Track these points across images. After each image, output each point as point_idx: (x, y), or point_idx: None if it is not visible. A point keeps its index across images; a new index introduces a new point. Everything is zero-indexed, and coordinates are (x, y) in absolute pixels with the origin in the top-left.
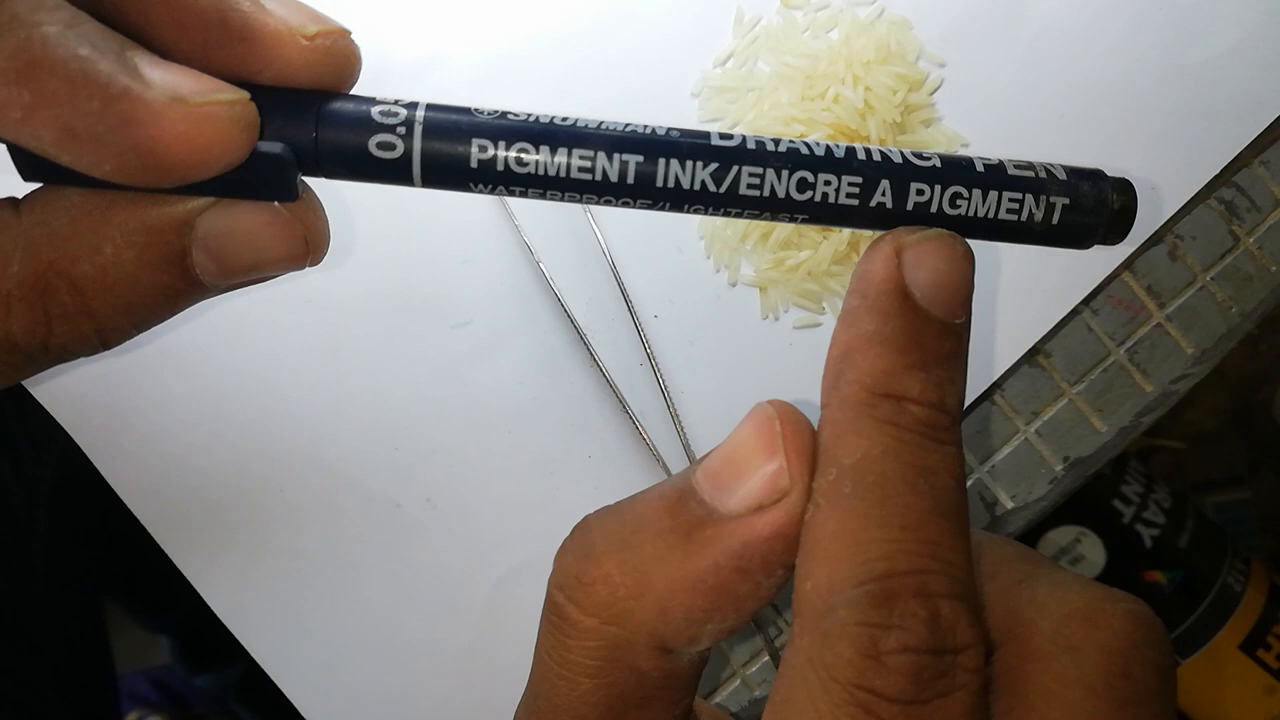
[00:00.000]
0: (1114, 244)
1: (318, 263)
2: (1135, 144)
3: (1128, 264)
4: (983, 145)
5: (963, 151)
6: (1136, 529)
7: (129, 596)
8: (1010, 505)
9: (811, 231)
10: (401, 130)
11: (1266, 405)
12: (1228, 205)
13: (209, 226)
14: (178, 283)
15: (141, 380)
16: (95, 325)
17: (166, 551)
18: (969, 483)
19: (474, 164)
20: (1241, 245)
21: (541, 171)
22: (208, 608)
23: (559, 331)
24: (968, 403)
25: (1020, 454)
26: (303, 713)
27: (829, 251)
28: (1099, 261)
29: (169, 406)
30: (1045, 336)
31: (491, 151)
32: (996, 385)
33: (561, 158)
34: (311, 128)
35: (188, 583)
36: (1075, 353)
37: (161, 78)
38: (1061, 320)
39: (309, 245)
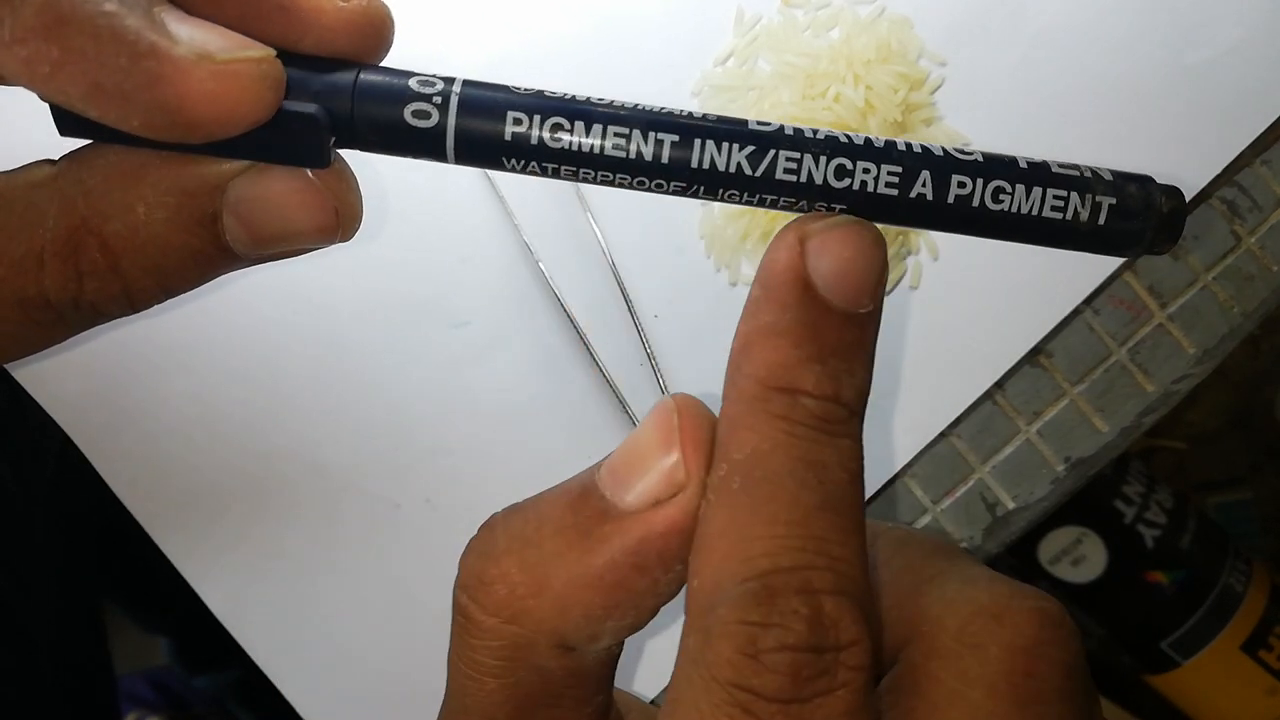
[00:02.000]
0: (1161, 252)
1: (349, 237)
2: (1136, 143)
3: (1129, 264)
4: (984, 144)
5: None
6: (1138, 529)
7: (128, 597)
8: (1011, 505)
9: None
10: (438, 100)
11: (1268, 405)
12: (1229, 205)
13: (240, 191)
14: (207, 248)
15: (140, 380)
16: (124, 285)
17: (165, 552)
18: (969, 483)
19: (508, 136)
20: (1243, 245)
21: (575, 147)
22: (206, 608)
23: (559, 331)
24: (969, 402)
25: (1021, 454)
26: (301, 713)
27: None
28: (1100, 261)
29: (167, 406)
30: (1047, 336)
31: (526, 125)
32: (998, 385)
33: (596, 135)
34: (348, 96)
35: (186, 583)
36: (1077, 353)
37: (189, 34)
38: (1063, 320)
39: (339, 218)
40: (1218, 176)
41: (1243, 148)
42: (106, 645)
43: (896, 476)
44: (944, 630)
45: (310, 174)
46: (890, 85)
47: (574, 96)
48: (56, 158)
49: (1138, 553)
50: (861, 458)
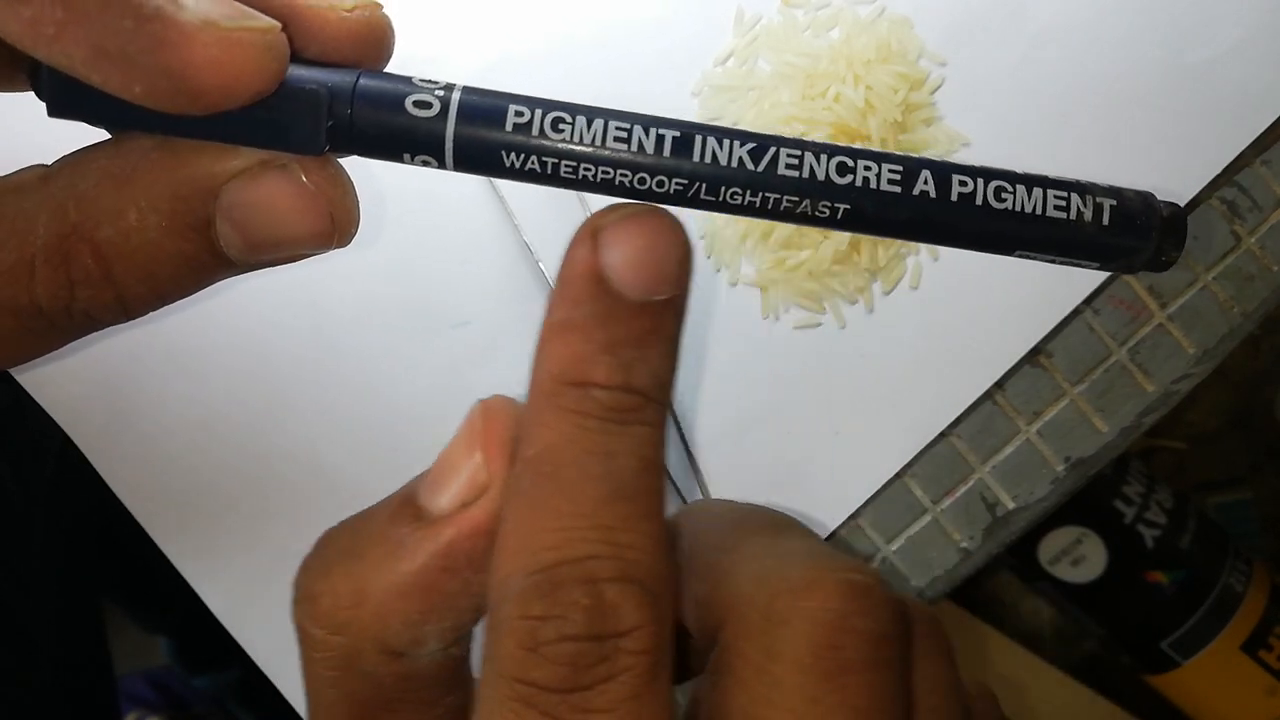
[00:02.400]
0: (1167, 262)
1: (345, 244)
2: (1136, 143)
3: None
4: (984, 144)
5: (964, 150)
6: (1138, 529)
7: (127, 597)
8: (1011, 505)
9: (812, 231)
10: (439, 93)
11: (1268, 405)
12: (1229, 205)
13: (233, 196)
14: (201, 254)
15: (140, 381)
16: (117, 293)
17: (165, 552)
18: (969, 483)
19: (510, 126)
20: (1243, 245)
21: (577, 140)
22: (206, 608)
23: None
24: (969, 402)
25: (1021, 454)
26: (302, 713)
27: (829, 251)
28: None
29: (168, 407)
30: (1047, 336)
31: (527, 118)
32: (998, 385)
33: (597, 130)
34: (348, 96)
35: (186, 583)
36: (1077, 353)
37: (194, 1)
38: (1063, 320)
39: (335, 223)
40: (1218, 176)
41: (1243, 147)
42: (106, 645)
43: (896, 476)
44: (754, 608)
45: (305, 178)
46: (890, 85)
47: (573, 103)
48: (49, 164)
49: (1138, 553)
50: (658, 443)
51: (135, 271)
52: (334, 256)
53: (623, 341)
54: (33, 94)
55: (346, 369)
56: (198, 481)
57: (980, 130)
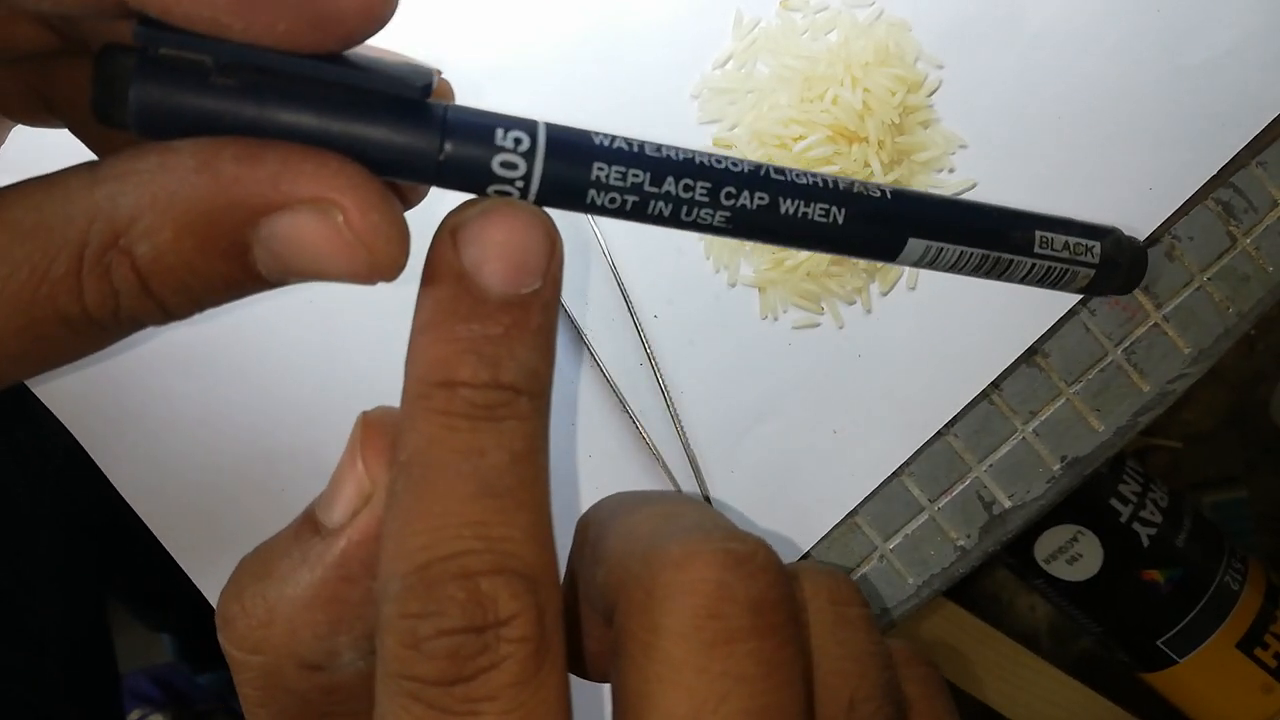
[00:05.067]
0: (1134, 282)
1: (388, 280)
2: (1133, 145)
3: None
4: (981, 146)
5: (961, 152)
6: (1134, 528)
7: (132, 595)
8: (1008, 504)
9: None
10: (524, 140)
11: (1263, 405)
12: (1225, 206)
13: (272, 229)
14: (237, 274)
15: (144, 380)
16: (157, 303)
17: (169, 550)
18: (966, 482)
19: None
20: (1239, 246)
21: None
22: (210, 606)
23: (559, 331)
24: (966, 402)
25: (1018, 453)
26: None
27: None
28: None
29: (172, 406)
30: (1043, 336)
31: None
32: (994, 385)
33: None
34: (438, 132)
35: (190, 581)
36: (1073, 352)
37: None
38: (1059, 320)
39: (373, 268)
40: (1213, 178)
41: (1238, 149)
42: (111, 643)
43: (894, 475)
44: (639, 585)
45: (343, 222)
46: (888, 88)
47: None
48: (97, 161)
49: (1133, 551)
50: (534, 434)
51: (172, 285)
52: None
53: (487, 338)
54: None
55: (350, 368)
56: (201, 480)
57: (977, 133)
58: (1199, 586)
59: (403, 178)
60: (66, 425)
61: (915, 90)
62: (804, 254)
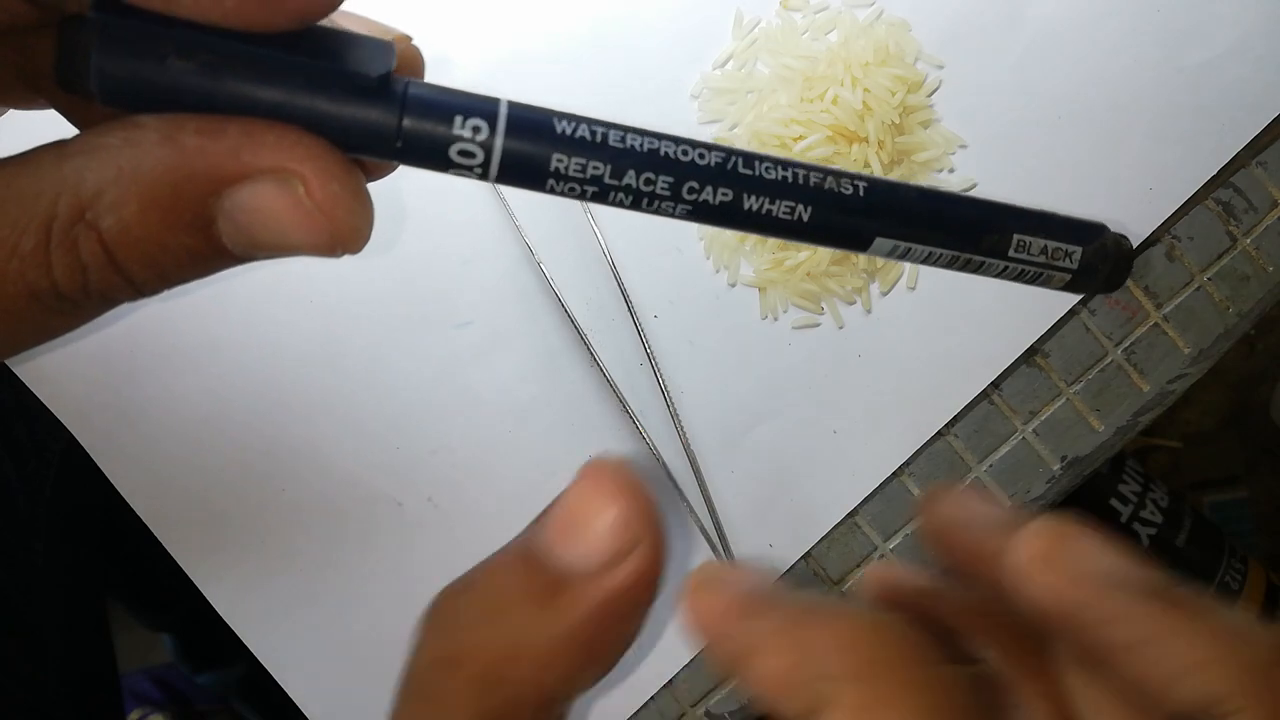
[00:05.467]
0: (1117, 283)
1: (354, 252)
2: (1132, 145)
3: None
4: (981, 146)
5: (961, 152)
6: (1134, 528)
7: (131, 595)
8: (1008, 504)
9: None
10: (483, 126)
11: (1263, 405)
12: (1225, 206)
13: (235, 201)
14: (203, 248)
15: (144, 379)
16: (125, 277)
17: (169, 550)
18: (968, 479)
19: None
20: (1239, 246)
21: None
22: (209, 606)
23: (559, 331)
24: (966, 402)
25: (1018, 453)
26: (305, 711)
27: (827, 252)
28: None
29: (172, 406)
30: (1043, 336)
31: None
32: (994, 385)
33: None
34: (395, 113)
35: (190, 581)
36: (1073, 352)
37: None
38: (1059, 320)
39: (336, 238)
40: (1213, 178)
41: (1238, 149)
42: (110, 643)
43: (894, 475)
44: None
45: (304, 193)
46: (888, 88)
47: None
48: (66, 140)
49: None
50: None
51: (139, 258)
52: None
53: None
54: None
55: (349, 368)
56: (202, 480)
57: (977, 132)
58: (1199, 587)
59: (363, 154)
60: (66, 425)
61: (915, 90)
62: (804, 254)
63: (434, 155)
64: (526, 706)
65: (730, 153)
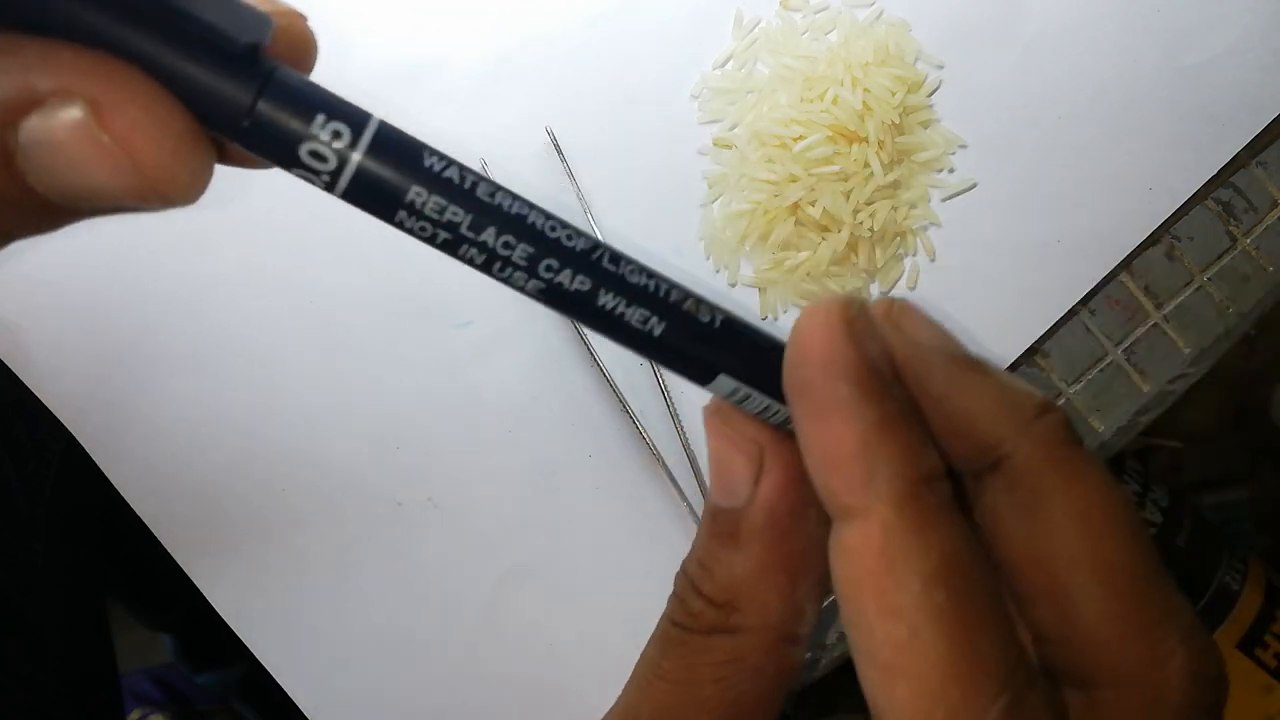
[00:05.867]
0: None
1: (180, 203)
2: (1132, 145)
3: (1125, 264)
4: (981, 146)
5: (961, 152)
6: None
7: (131, 595)
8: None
9: (810, 232)
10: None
11: (1264, 405)
12: (1225, 206)
13: (30, 134)
14: (15, 192)
15: (144, 380)
16: None
17: (169, 550)
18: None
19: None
20: (1239, 246)
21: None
22: (209, 606)
23: (559, 331)
24: None
25: None
26: (305, 711)
27: (827, 253)
28: (1097, 262)
29: (172, 406)
30: (1043, 336)
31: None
32: None
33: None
34: (252, 92)
35: (190, 581)
36: (1073, 353)
37: None
38: (1059, 320)
39: (145, 180)
40: (1213, 178)
41: (1238, 149)
42: (110, 643)
43: None
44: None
45: (95, 125)
46: (888, 88)
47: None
48: None
49: None
50: None
51: None
52: (338, 254)
53: None
54: None
55: (349, 367)
56: (201, 480)
57: (977, 132)
58: (1199, 587)
59: (207, 125)
60: (66, 425)
61: (915, 90)
62: (804, 254)
63: (282, 147)
64: (758, 651)
65: (599, 245)
